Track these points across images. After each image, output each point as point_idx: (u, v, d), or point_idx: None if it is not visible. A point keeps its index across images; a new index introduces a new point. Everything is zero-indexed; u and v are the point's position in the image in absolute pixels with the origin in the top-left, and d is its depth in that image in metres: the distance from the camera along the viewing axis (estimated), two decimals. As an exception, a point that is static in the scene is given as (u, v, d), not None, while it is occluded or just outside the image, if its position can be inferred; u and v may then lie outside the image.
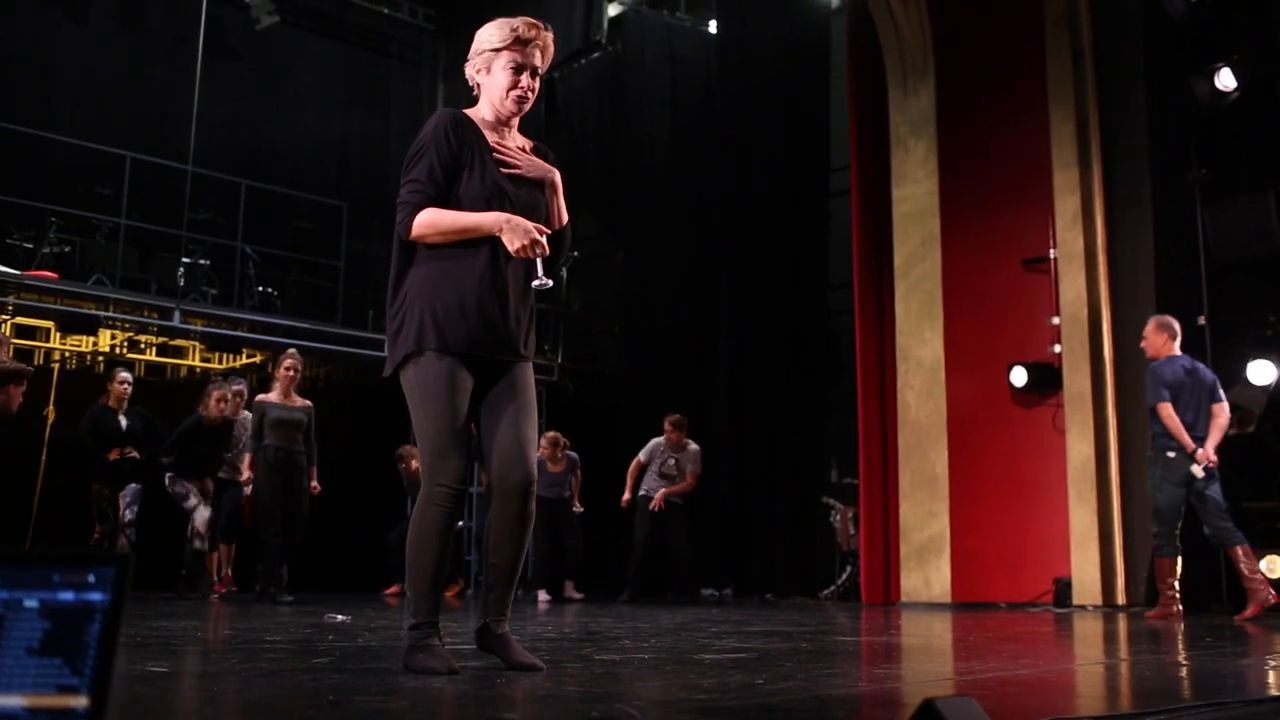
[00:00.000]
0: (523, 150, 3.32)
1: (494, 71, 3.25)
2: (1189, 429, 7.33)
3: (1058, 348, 9.30)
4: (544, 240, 3.04)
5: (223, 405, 9.43)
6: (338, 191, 13.96)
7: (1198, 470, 7.32)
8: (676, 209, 12.81)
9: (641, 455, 10.27)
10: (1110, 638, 5.67)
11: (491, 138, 3.27)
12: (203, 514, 9.24)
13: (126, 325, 11.58)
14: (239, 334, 12.12)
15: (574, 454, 10.69)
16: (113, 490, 9.23)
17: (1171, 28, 8.77)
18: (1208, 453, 7.32)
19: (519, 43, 3.22)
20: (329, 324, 12.46)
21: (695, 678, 3.08)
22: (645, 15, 13.69)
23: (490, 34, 3.27)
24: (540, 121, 14.52)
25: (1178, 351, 7.60)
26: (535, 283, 3.09)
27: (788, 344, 11.68)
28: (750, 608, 8.95)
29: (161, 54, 13.47)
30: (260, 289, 12.51)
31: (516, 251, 3.01)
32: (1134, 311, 9.05)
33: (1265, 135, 8.45)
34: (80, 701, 1.43)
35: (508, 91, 3.23)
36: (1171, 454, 7.41)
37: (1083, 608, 8.69)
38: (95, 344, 11.61)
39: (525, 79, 3.24)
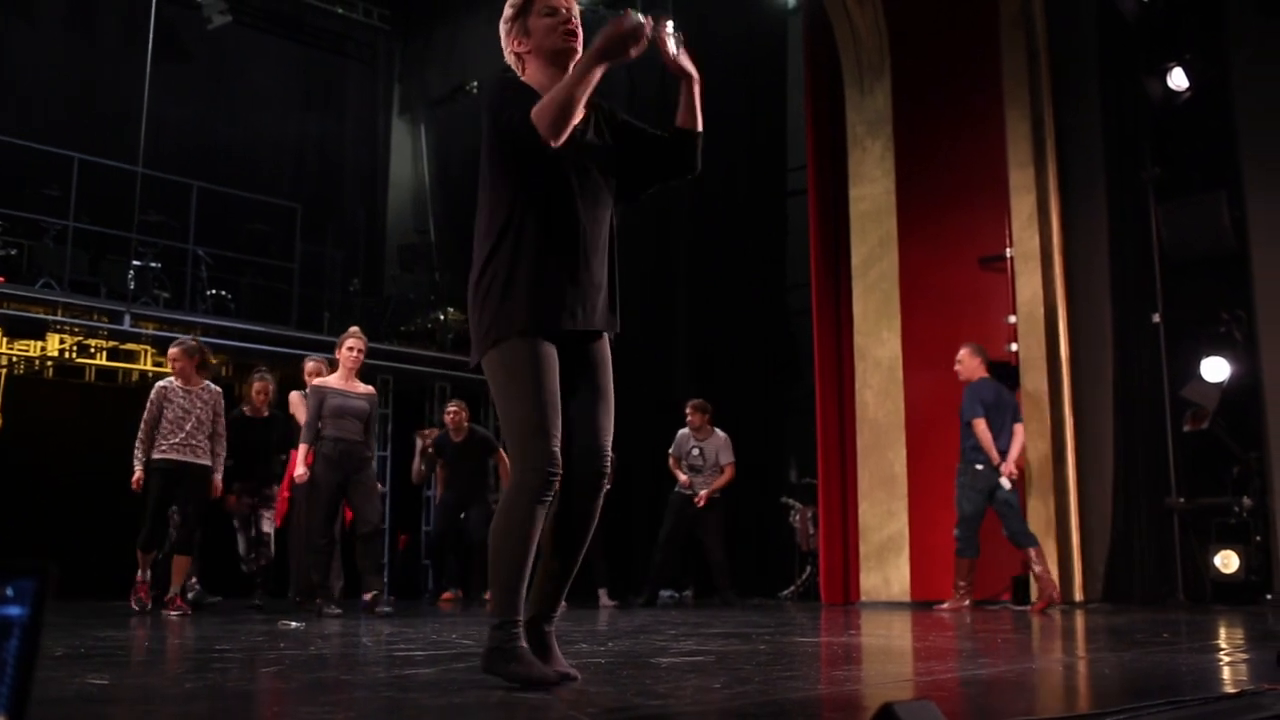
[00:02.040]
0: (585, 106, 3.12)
1: (531, 25, 3.09)
2: (996, 443, 8.34)
3: (1014, 346, 9.32)
4: (641, 27, 2.91)
5: (264, 397, 8.81)
6: (292, 193, 13.83)
7: (1005, 483, 8.32)
8: (633, 209, 12.75)
9: (671, 449, 9.90)
10: (1068, 635, 5.67)
11: None
12: (243, 540, 8.92)
13: (75, 329, 11.40)
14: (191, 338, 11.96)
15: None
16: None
17: (1125, 28, 8.81)
18: (1010, 467, 8.32)
19: None
20: (283, 327, 12.33)
21: (651, 682, 3.03)
22: (602, 15, 13.62)
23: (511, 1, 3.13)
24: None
25: (986, 374, 8.59)
26: (667, 30, 3.03)
27: (746, 344, 11.67)
28: (710, 609, 8.92)
29: (111, 54, 13.28)
30: (213, 292, 12.36)
31: (625, 42, 2.89)
32: (1090, 310, 9.10)
33: (1217, 134, 8.50)
34: (-4, 721, 1.36)
35: (555, 28, 3.07)
36: (980, 466, 8.35)
37: (1041, 605, 8.70)
38: (43, 349, 11.41)
39: (564, 12, 3.10)
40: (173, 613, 7.19)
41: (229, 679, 3.29)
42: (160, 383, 7.67)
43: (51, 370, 11.50)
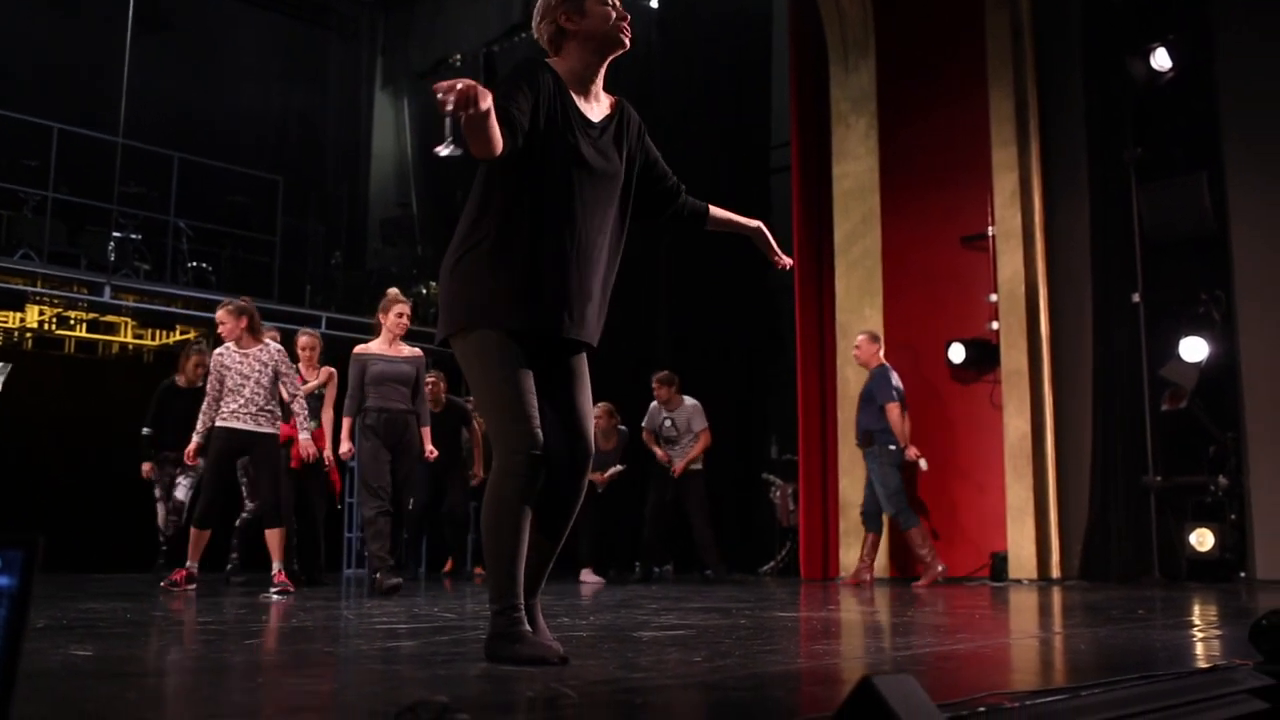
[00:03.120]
0: (611, 105, 3.09)
1: (588, 7, 2.97)
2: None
3: (995, 325, 9.36)
4: (465, 99, 2.52)
5: (201, 370, 8.46)
6: (273, 165, 13.75)
7: (924, 464, 8.88)
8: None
9: (644, 423, 9.81)
10: (1045, 611, 5.73)
11: (578, 100, 3.00)
12: (162, 511, 8.75)
13: (55, 301, 11.34)
14: (172, 310, 11.92)
15: (624, 429, 9.94)
16: None
17: (1109, 7, 8.84)
18: (915, 450, 8.81)
19: None
20: (265, 300, 12.26)
21: (633, 656, 3.06)
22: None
23: None
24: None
25: (883, 361, 8.98)
26: (438, 148, 2.61)
27: (728, 321, 11.68)
28: (690, 584, 8.96)
29: (92, 24, 13.15)
30: (193, 264, 12.31)
31: (444, 108, 2.54)
32: (1071, 289, 9.15)
33: (1199, 116, 8.54)
34: (-15, 690, 1.37)
35: (613, 19, 2.97)
36: (893, 447, 8.71)
37: (1019, 581, 8.78)
38: (23, 320, 11.36)
39: (620, 6, 3.00)
40: (274, 591, 6.58)
41: (213, 651, 3.31)
42: (216, 350, 7.19)
43: (31, 342, 11.43)
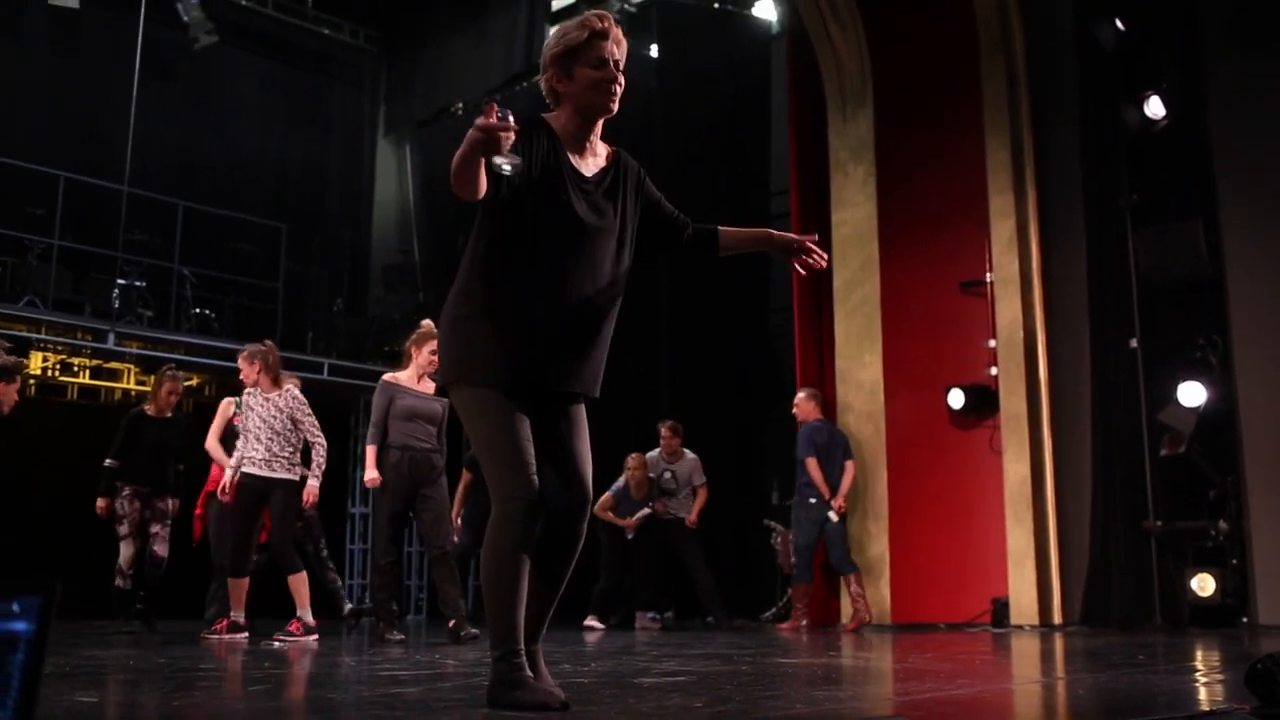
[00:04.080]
0: (607, 157, 3.12)
1: (576, 72, 2.99)
2: (827, 480, 9.19)
3: (994, 370, 9.41)
4: (502, 126, 2.64)
5: (174, 398, 8.30)
6: (277, 212, 13.85)
7: (833, 516, 9.19)
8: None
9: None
10: (1047, 657, 5.73)
11: (573, 157, 3.03)
12: (127, 550, 8.15)
13: (59, 347, 11.39)
14: (175, 356, 11.96)
15: (654, 476, 9.84)
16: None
17: (1103, 56, 8.94)
18: (840, 501, 9.22)
19: (596, 35, 2.98)
20: (267, 346, 12.33)
21: (634, 702, 3.07)
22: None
23: (562, 35, 3.02)
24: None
25: (822, 417, 9.52)
26: (498, 159, 2.70)
27: (728, 366, 11.73)
28: (691, 631, 8.95)
29: (98, 73, 13.31)
30: (197, 310, 12.37)
31: (473, 145, 2.65)
32: (1069, 334, 9.19)
33: (1193, 162, 8.62)
34: (3, 734, 1.40)
35: (599, 85, 2.99)
36: (813, 500, 9.15)
37: (1020, 627, 8.77)
38: (27, 366, 11.39)
39: (612, 70, 3.00)
40: (276, 638, 6.55)
41: (216, 698, 3.32)
42: (245, 391, 7.16)
43: (34, 388, 11.47)
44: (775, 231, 3.34)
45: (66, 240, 11.51)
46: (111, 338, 11.16)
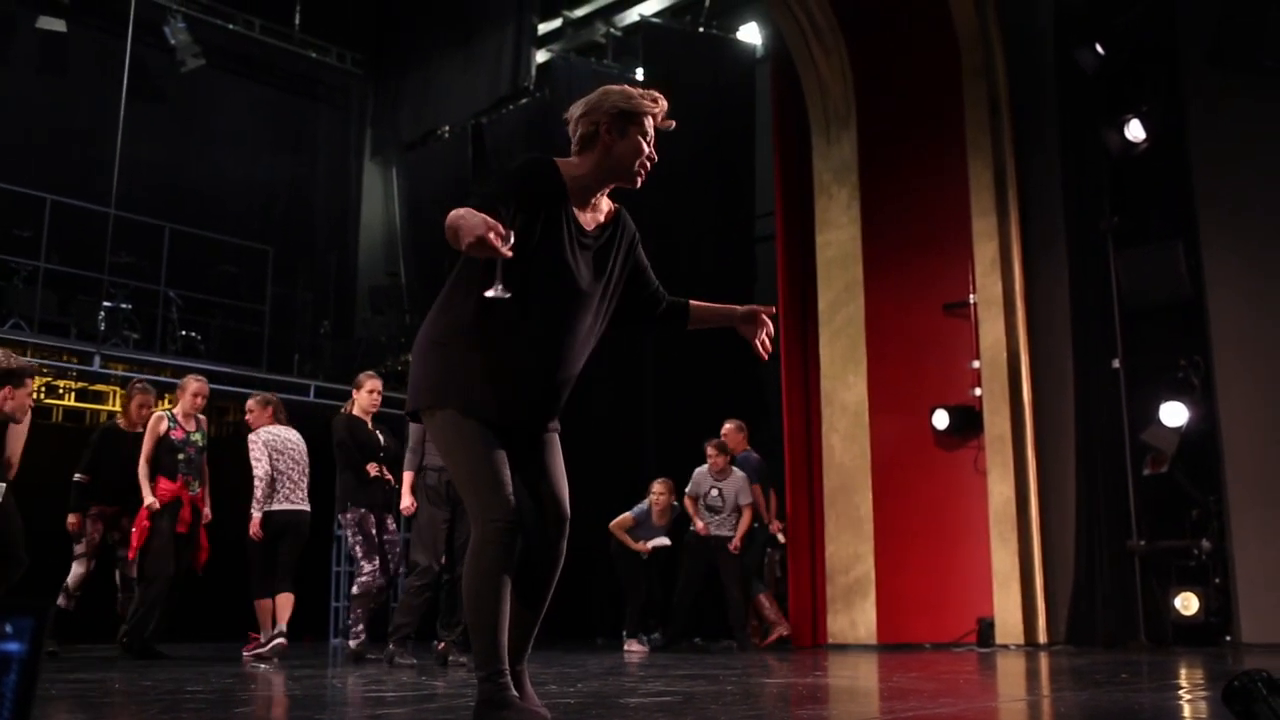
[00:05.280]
0: (607, 214, 3.14)
1: (628, 136, 3.03)
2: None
3: (978, 391, 9.46)
4: (499, 243, 2.62)
5: (146, 411, 8.05)
6: (263, 235, 13.87)
7: (781, 537, 10.04)
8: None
9: (689, 489, 9.59)
10: (1031, 675, 5.76)
11: (577, 209, 3.04)
12: (79, 570, 7.86)
13: (45, 370, 11.36)
14: (161, 379, 11.95)
15: (677, 505, 9.68)
16: (379, 514, 7.49)
17: (1084, 80, 9.03)
18: (777, 523, 9.89)
19: (656, 115, 3.08)
20: (254, 369, 12.34)
21: (620, 722, 3.09)
22: (573, 62, 13.81)
23: (629, 96, 3.06)
24: (468, 167, 14.59)
25: (749, 448, 9.95)
26: (489, 292, 2.76)
27: (713, 388, 11.75)
28: (678, 652, 8.95)
29: (85, 96, 13.33)
30: (183, 333, 12.36)
31: (465, 249, 2.64)
32: (1052, 355, 9.26)
33: (1174, 184, 8.71)
34: (-4, 753, 1.42)
35: (640, 159, 3.05)
36: (757, 525, 9.52)
37: (1005, 647, 8.80)
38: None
39: (653, 151, 3.08)
40: (259, 652, 7.41)
41: (204, 719, 3.33)
42: (265, 429, 7.76)
43: (19, 411, 11.42)
44: (740, 307, 3.37)
45: (52, 263, 11.51)
46: (97, 360, 11.15)
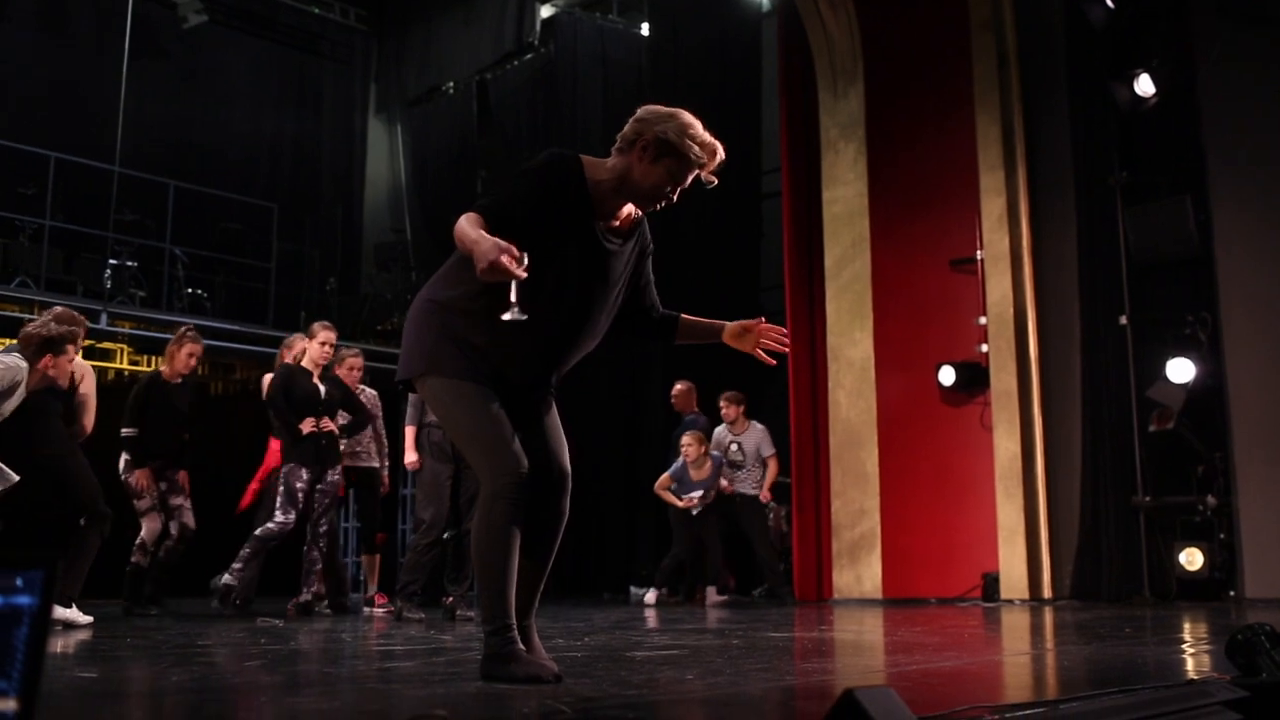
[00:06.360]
0: (627, 218, 3.12)
1: (659, 165, 3.00)
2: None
3: (984, 347, 9.45)
4: (513, 266, 2.63)
5: (193, 361, 7.77)
6: (268, 192, 13.84)
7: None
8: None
9: (713, 449, 9.64)
10: (1036, 630, 5.79)
11: (598, 208, 3.03)
12: (153, 525, 7.47)
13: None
14: (168, 336, 11.96)
15: (718, 454, 9.61)
16: (314, 473, 7.34)
17: (1093, 34, 8.95)
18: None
19: (695, 164, 3.03)
20: (260, 326, 12.34)
21: (626, 674, 3.12)
22: (578, 17, 13.71)
23: (683, 130, 3.02)
24: (473, 123, 14.53)
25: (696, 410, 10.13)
26: (506, 315, 2.75)
27: (719, 345, 11.75)
28: (683, 606, 9.01)
29: (87, 53, 13.26)
30: (189, 291, 12.36)
31: (480, 274, 2.66)
32: (1059, 311, 9.23)
33: (1183, 139, 8.65)
34: (8, 705, 1.43)
35: (660, 193, 3.04)
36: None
37: (1010, 602, 8.84)
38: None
39: (676, 194, 3.08)
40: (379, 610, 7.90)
41: (214, 673, 3.37)
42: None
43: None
44: (729, 323, 3.35)
45: (58, 220, 11.50)
46: (104, 318, 11.16)
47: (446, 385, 2.94)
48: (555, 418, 3.12)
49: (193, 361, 7.79)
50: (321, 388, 7.45)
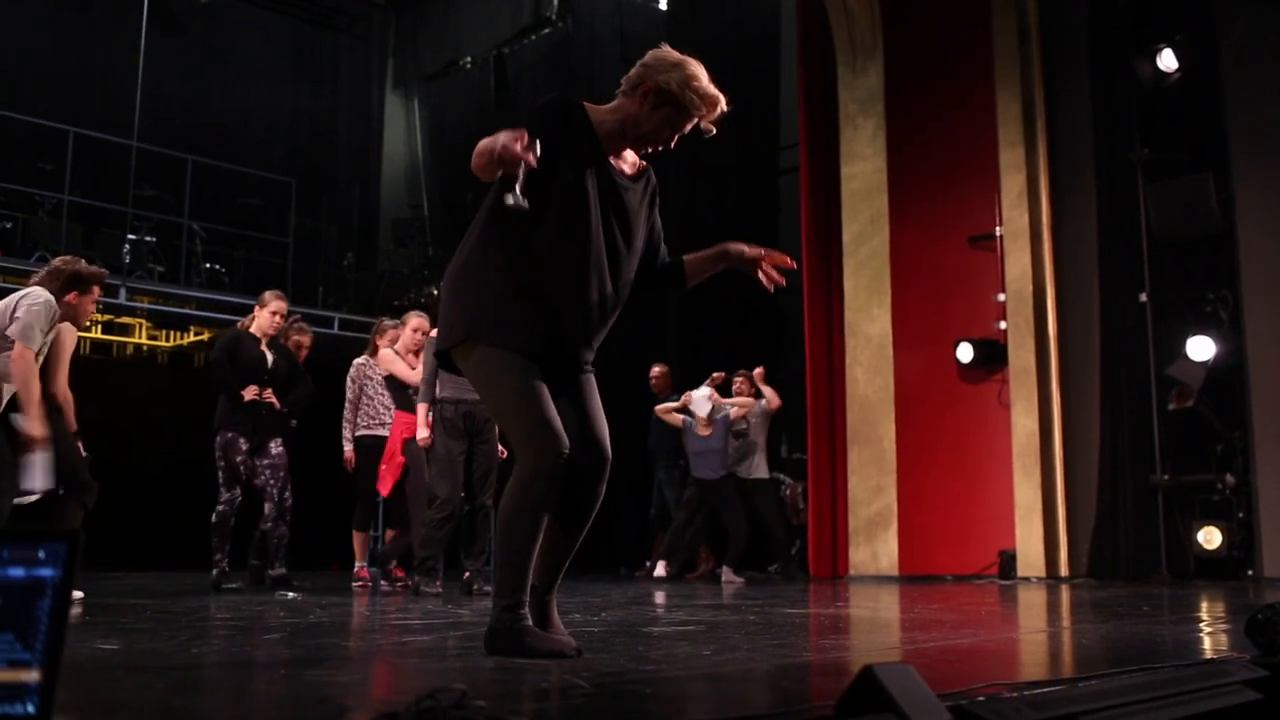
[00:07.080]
0: (635, 165, 3.11)
1: (658, 112, 3.00)
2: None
3: (1003, 324, 9.41)
4: (526, 153, 2.66)
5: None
6: (286, 167, 13.85)
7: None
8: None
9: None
10: (1052, 608, 5.79)
11: (610, 155, 3.02)
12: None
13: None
14: (186, 311, 12.04)
15: (721, 410, 9.51)
16: (251, 443, 7.09)
17: (1115, 9, 8.88)
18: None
19: (700, 116, 3.03)
20: (278, 301, 12.35)
21: (643, 649, 3.13)
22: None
23: (685, 82, 3.01)
24: (490, 97, 14.49)
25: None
26: (509, 200, 2.71)
27: (737, 321, 11.74)
28: (700, 583, 9.03)
29: (105, 28, 13.28)
30: (207, 266, 12.40)
31: (498, 159, 2.67)
32: (1078, 288, 9.20)
33: (1205, 116, 8.58)
34: (32, 676, 1.45)
35: (660, 137, 3.04)
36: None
37: (1027, 579, 8.84)
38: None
39: (675, 140, 3.07)
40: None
41: (234, 645, 3.39)
42: (357, 361, 7.91)
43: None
44: (732, 245, 3.28)
45: (76, 195, 11.54)
46: (123, 293, 11.21)
47: (489, 355, 2.89)
48: (597, 398, 3.07)
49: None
50: (269, 356, 7.24)
